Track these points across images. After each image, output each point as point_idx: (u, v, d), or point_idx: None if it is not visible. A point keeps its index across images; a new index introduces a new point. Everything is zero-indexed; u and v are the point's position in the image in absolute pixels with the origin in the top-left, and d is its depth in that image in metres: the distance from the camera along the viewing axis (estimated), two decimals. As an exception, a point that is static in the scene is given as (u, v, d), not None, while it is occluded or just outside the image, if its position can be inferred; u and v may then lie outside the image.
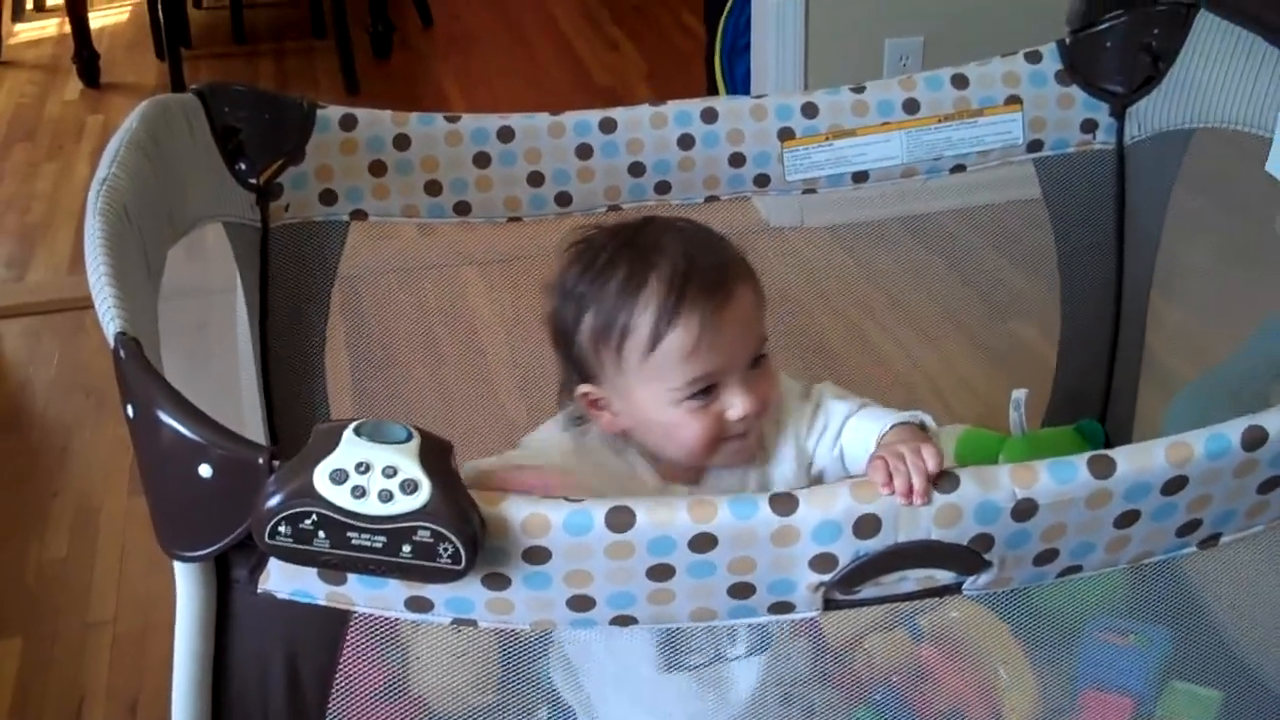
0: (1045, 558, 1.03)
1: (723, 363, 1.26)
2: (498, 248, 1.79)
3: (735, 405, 1.26)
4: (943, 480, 0.98)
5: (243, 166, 1.52)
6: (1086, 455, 1.00)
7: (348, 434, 0.90)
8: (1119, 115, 1.72)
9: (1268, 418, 1.02)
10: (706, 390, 1.26)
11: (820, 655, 1.44)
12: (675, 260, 1.26)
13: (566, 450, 1.34)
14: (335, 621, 1.00)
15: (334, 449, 0.89)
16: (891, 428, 1.28)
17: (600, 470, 1.08)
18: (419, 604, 0.97)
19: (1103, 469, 0.99)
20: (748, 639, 1.25)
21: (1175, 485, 1.01)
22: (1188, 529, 1.05)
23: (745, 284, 1.29)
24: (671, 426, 1.28)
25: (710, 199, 1.70)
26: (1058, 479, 0.99)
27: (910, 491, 0.98)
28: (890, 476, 0.98)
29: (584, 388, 1.32)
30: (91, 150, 3.79)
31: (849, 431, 1.35)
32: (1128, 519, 1.02)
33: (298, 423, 1.65)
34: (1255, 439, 1.01)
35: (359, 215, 1.62)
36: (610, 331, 1.27)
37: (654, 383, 1.27)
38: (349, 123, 1.59)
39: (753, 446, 1.32)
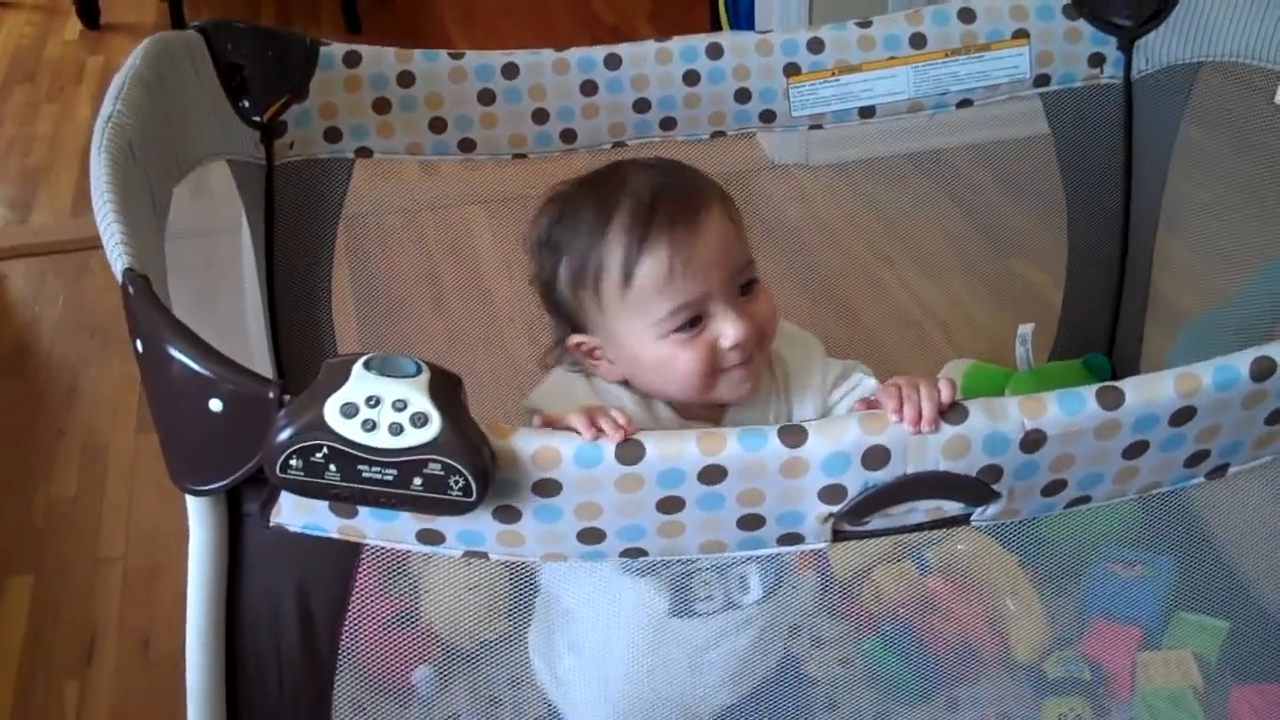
0: (1053, 489, 1.03)
1: (703, 288, 1.22)
2: (503, 187, 1.79)
3: (727, 332, 1.23)
4: (952, 412, 0.98)
5: (246, 104, 1.51)
6: (1095, 386, 1.00)
7: (357, 368, 0.90)
8: (1126, 49, 1.71)
9: (1276, 349, 1.01)
10: (693, 321, 1.23)
11: (828, 588, 1.46)
12: (639, 193, 1.24)
13: (590, 394, 1.30)
14: (347, 554, 1.01)
15: (344, 383, 0.89)
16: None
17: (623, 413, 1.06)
18: (430, 536, 0.98)
19: (1111, 400, 0.99)
20: (761, 585, 1.26)
21: (1183, 416, 1.01)
22: (1195, 460, 1.05)
23: (716, 207, 1.25)
24: (664, 363, 1.24)
25: (716, 135, 1.69)
26: (1067, 410, 0.99)
27: (919, 419, 0.97)
28: (901, 404, 0.98)
29: (576, 338, 1.29)
30: (92, 92, 3.77)
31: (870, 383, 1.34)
32: (1136, 450, 1.02)
33: (304, 361, 1.65)
34: (1264, 370, 1.01)
35: (364, 153, 1.61)
36: (585, 273, 1.25)
37: (636, 319, 1.24)
38: (353, 59, 1.58)
39: (759, 375, 1.28)
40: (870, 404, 1.01)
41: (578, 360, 1.32)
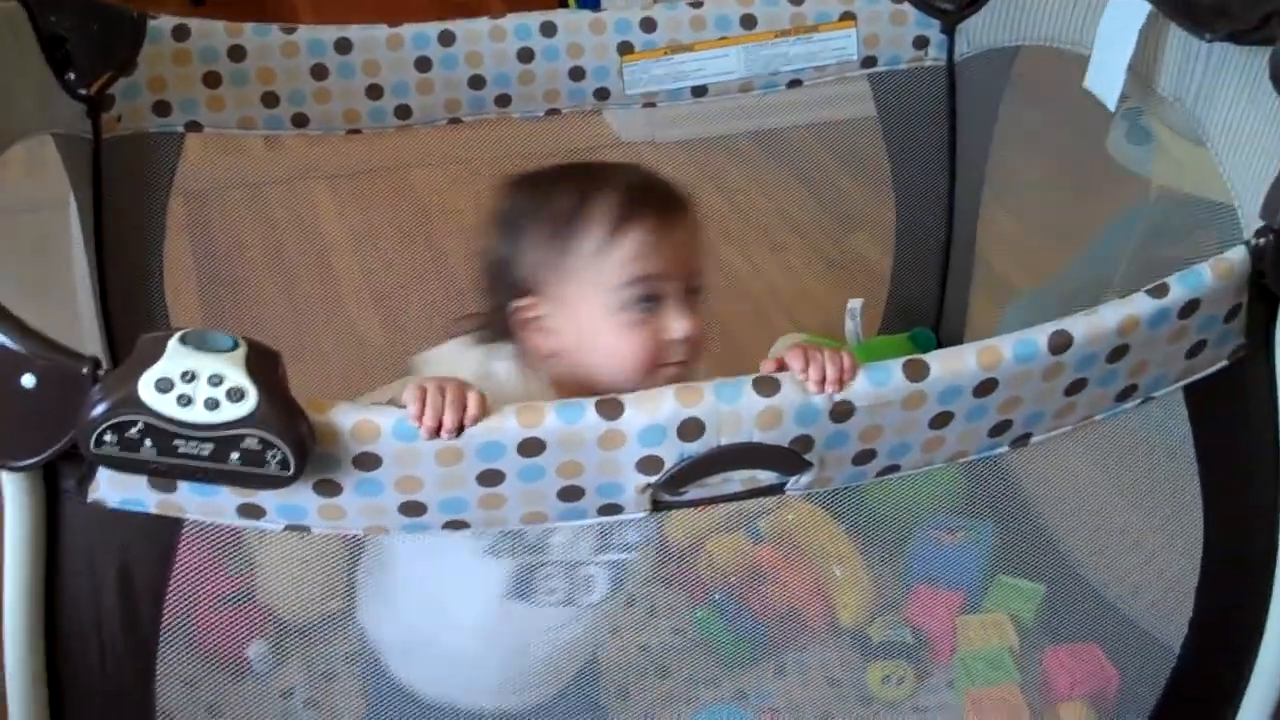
0: (864, 458, 1.07)
1: (666, 269, 1.26)
2: (346, 163, 1.79)
3: (676, 326, 1.26)
4: (763, 385, 1.01)
5: (72, 77, 1.48)
6: (901, 360, 1.04)
7: (173, 343, 0.90)
8: (949, 32, 1.77)
9: (1073, 322, 1.06)
10: (648, 301, 1.25)
11: (663, 557, 1.49)
12: (630, 178, 1.30)
13: (474, 369, 1.31)
14: (167, 530, 1.00)
15: (159, 358, 0.90)
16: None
17: (498, 397, 1.07)
18: (250, 510, 0.98)
19: (917, 373, 1.03)
20: (607, 587, 1.28)
21: (986, 388, 1.05)
22: (999, 429, 1.10)
23: (692, 212, 1.32)
24: (610, 339, 1.26)
25: (551, 112, 1.71)
26: (874, 382, 1.03)
27: (823, 380, 1.01)
28: (807, 364, 1.02)
29: (523, 301, 1.29)
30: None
31: None
32: (941, 420, 1.06)
33: (136, 337, 1.63)
34: (1061, 343, 1.05)
35: (194, 127, 1.60)
36: (558, 238, 1.27)
37: (598, 285, 1.26)
38: (181, 33, 1.56)
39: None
40: (780, 364, 1.04)
41: (512, 329, 1.32)
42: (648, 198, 1.28)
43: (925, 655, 1.58)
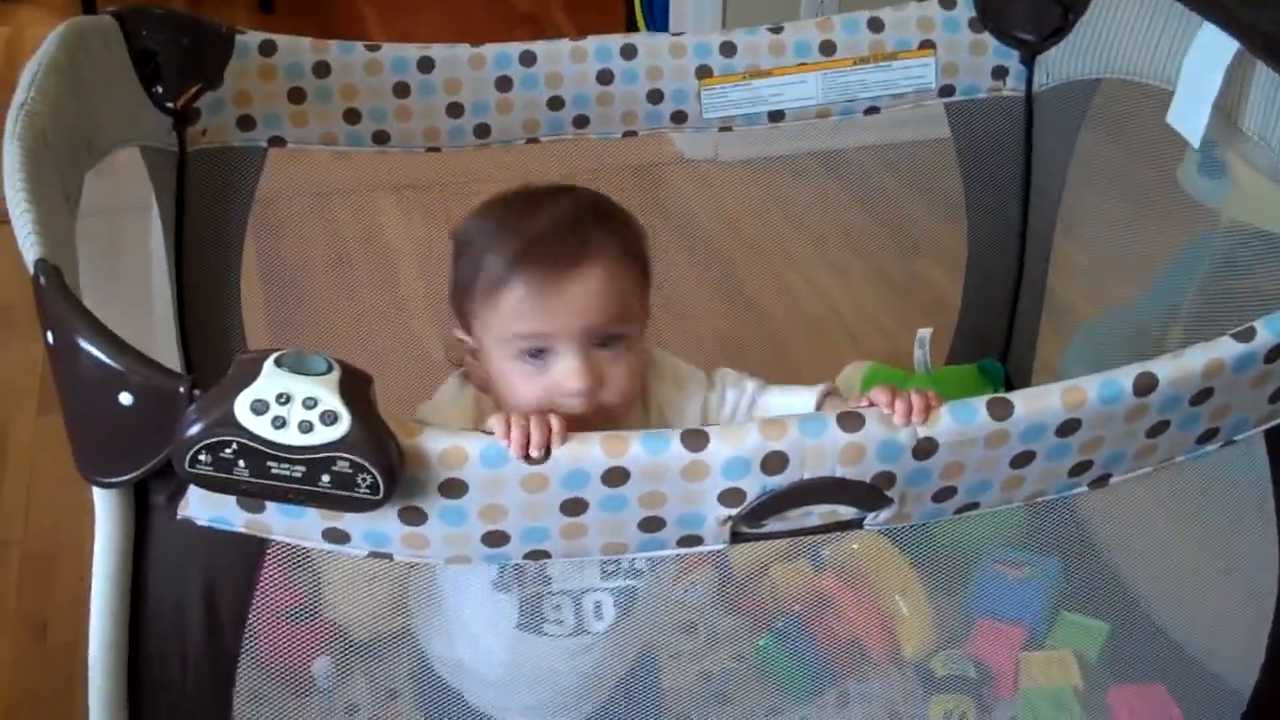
0: (944, 495, 1.07)
1: (550, 329, 1.24)
2: (414, 175, 1.80)
3: (563, 382, 1.25)
4: (847, 420, 1.01)
5: (160, 90, 1.51)
6: (986, 397, 1.03)
7: (269, 365, 0.91)
8: (1028, 63, 1.76)
9: (1159, 365, 1.06)
10: (538, 353, 1.25)
11: (725, 584, 1.49)
12: (537, 224, 1.27)
13: (466, 407, 1.33)
14: (252, 549, 1.02)
15: (255, 379, 0.90)
16: (826, 395, 1.31)
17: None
18: (336, 535, 0.99)
19: (1001, 411, 1.03)
20: (615, 612, 1.29)
21: (1069, 428, 1.05)
22: (1079, 469, 1.10)
23: (599, 263, 1.26)
24: (509, 382, 1.27)
25: (628, 134, 1.72)
26: (958, 419, 1.03)
27: (910, 412, 1.02)
28: (893, 399, 1.03)
29: (459, 333, 1.33)
30: (-2, 64, 3.71)
31: (768, 400, 1.36)
32: (1023, 459, 1.06)
33: (213, 349, 1.65)
34: (1147, 385, 1.05)
35: (277, 142, 1.62)
36: (469, 282, 1.29)
37: (492, 333, 1.27)
38: (268, 49, 1.58)
39: (606, 417, 1.29)
40: (869, 402, 1.05)
41: (461, 359, 1.36)
42: (540, 251, 1.25)
43: (988, 691, 1.57)
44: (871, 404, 1.04)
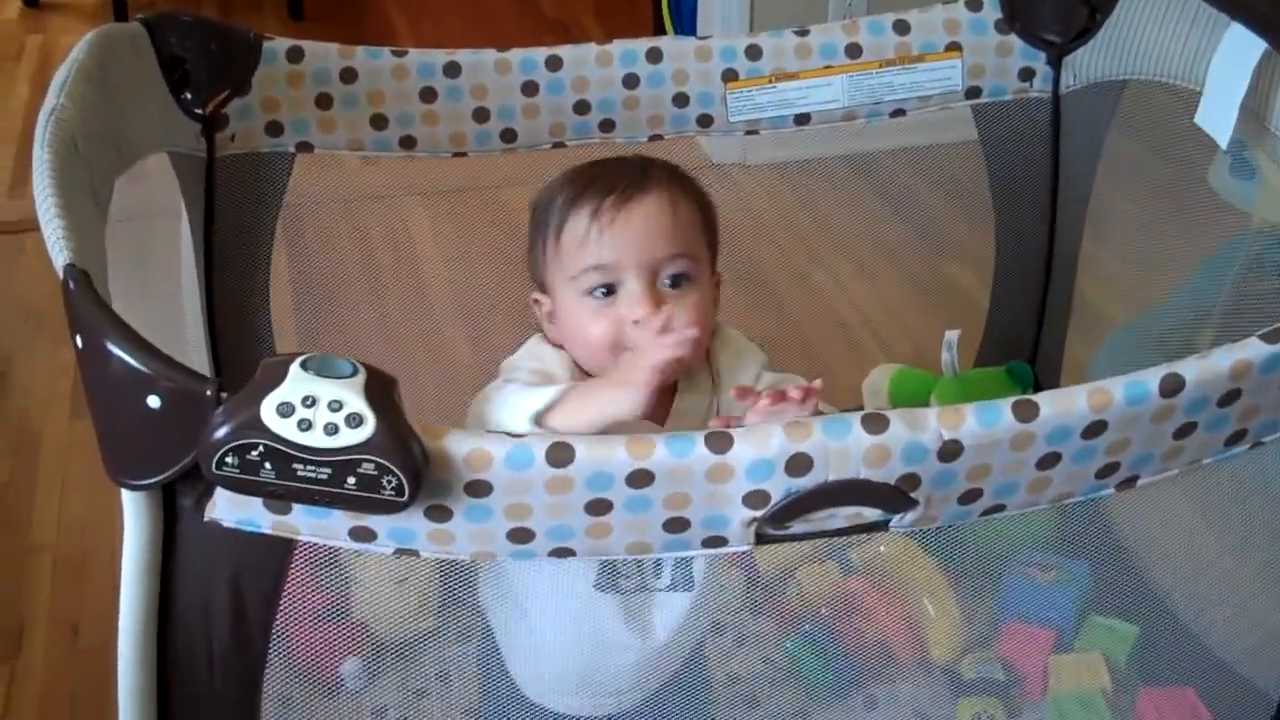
0: (970, 497, 1.06)
1: (614, 258, 1.28)
2: (442, 180, 1.81)
3: (632, 306, 1.28)
4: (872, 421, 1.01)
5: (188, 96, 1.52)
6: (1011, 399, 1.03)
7: (294, 368, 0.92)
8: (1055, 64, 1.75)
9: (1185, 366, 1.05)
10: (607, 289, 1.29)
11: (753, 586, 1.49)
12: (607, 165, 1.36)
13: (546, 356, 1.36)
14: (280, 550, 1.02)
15: (281, 382, 0.91)
16: None
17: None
18: (362, 534, 1.00)
19: (1026, 413, 1.02)
20: (671, 574, 1.29)
21: (1095, 429, 1.04)
22: (1106, 471, 1.09)
23: (662, 194, 1.31)
24: (578, 324, 1.31)
25: (654, 138, 1.72)
26: (983, 422, 1.02)
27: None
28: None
29: (535, 294, 1.37)
30: (31, 70, 3.73)
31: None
32: (1049, 461, 1.05)
33: (242, 352, 1.66)
34: (1173, 386, 1.04)
35: (304, 147, 1.63)
36: (544, 224, 1.34)
37: (562, 273, 1.31)
38: (295, 55, 1.59)
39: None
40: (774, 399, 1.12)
41: (539, 318, 1.39)
42: (603, 184, 1.30)
43: (1017, 694, 1.56)
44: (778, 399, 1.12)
